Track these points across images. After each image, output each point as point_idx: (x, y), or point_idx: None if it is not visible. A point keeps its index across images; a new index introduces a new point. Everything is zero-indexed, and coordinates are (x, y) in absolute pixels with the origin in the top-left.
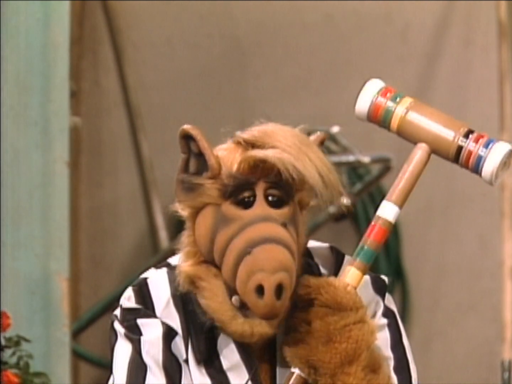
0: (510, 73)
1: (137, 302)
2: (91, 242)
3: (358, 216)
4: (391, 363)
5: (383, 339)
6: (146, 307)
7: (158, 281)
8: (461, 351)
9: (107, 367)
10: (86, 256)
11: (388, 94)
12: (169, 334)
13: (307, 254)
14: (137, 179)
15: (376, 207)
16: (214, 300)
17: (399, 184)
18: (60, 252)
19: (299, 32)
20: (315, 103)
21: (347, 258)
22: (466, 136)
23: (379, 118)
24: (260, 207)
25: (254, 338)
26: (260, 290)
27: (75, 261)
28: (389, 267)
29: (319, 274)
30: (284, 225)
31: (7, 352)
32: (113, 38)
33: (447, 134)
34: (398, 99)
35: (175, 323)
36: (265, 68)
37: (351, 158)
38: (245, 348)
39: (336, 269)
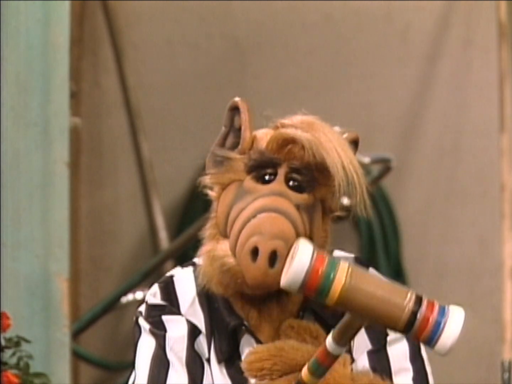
0: (510, 74)
1: (163, 299)
2: (91, 243)
3: (358, 217)
4: (410, 374)
5: (401, 351)
6: (172, 304)
7: (184, 279)
8: (461, 351)
9: (107, 368)
10: (86, 257)
11: (323, 261)
12: (193, 332)
13: None
14: (137, 179)
15: (376, 208)
16: (228, 256)
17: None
18: (60, 252)
19: (299, 33)
20: (315, 104)
21: (371, 269)
22: (418, 302)
23: (315, 289)
24: (278, 184)
25: (269, 280)
26: (255, 253)
27: (75, 262)
28: (389, 267)
29: None
30: (297, 206)
31: (7, 353)
32: (113, 39)
33: (397, 301)
34: (335, 267)
35: (199, 321)
36: (265, 68)
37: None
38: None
39: None
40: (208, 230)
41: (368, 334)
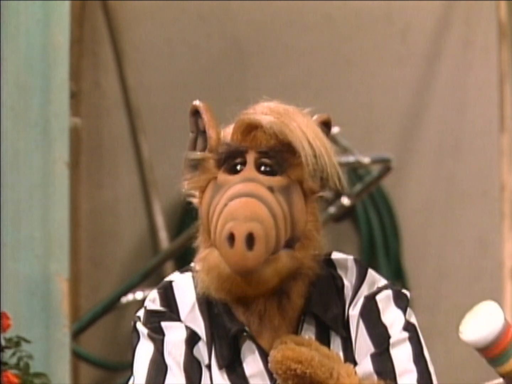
0: (510, 74)
1: (162, 305)
2: (91, 243)
3: (358, 217)
4: (414, 376)
5: (404, 353)
6: (171, 310)
7: (183, 284)
8: (461, 351)
9: (107, 368)
10: (86, 257)
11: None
12: (192, 338)
13: (331, 265)
14: (137, 179)
15: (376, 208)
16: (213, 256)
17: None
18: (60, 252)
19: (299, 32)
20: (315, 104)
21: (370, 270)
22: None
23: (498, 353)
24: (248, 171)
25: (249, 264)
26: (231, 238)
27: (75, 262)
28: (389, 267)
29: (342, 286)
30: (270, 189)
31: (7, 353)
32: (113, 39)
33: None
34: None
35: (199, 328)
36: (265, 68)
37: (351, 158)
38: (268, 356)
39: (359, 282)
40: (199, 237)
41: (371, 337)
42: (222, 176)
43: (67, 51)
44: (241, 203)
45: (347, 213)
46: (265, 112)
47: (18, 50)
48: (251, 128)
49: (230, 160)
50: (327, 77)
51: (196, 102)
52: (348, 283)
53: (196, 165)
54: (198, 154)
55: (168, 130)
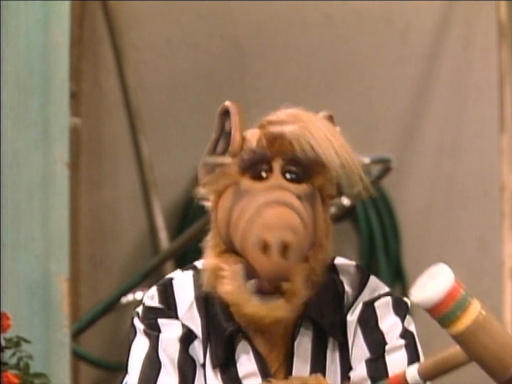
0: (510, 74)
1: (160, 302)
2: (91, 243)
3: (358, 217)
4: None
5: (400, 359)
6: (169, 307)
7: (183, 282)
8: None
9: (107, 368)
10: (86, 257)
11: (459, 292)
12: (188, 337)
13: (333, 270)
14: (137, 180)
15: (376, 208)
16: (231, 284)
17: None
18: (60, 253)
19: (299, 33)
20: (315, 104)
21: (372, 277)
22: None
23: (442, 315)
24: (276, 178)
25: (267, 320)
26: (265, 247)
27: (75, 262)
28: (389, 267)
29: (343, 292)
30: (298, 197)
31: (7, 353)
32: (113, 39)
33: None
34: (469, 301)
35: (196, 326)
36: (265, 69)
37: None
38: (262, 358)
39: (360, 288)
40: (210, 241)
41: (367, 343)
42: (247, 182)
43: (67, 51)
44: (274, 212)
45: (347, 213)
46: (290, 121)
47: (18, 50)
48: (276, 139)
49: (256, 167)
50: (327, 77)
51: (228, 103)
52: (349, 289)
53: (214, 169)
54: (219, 159)
55: (168, 130)
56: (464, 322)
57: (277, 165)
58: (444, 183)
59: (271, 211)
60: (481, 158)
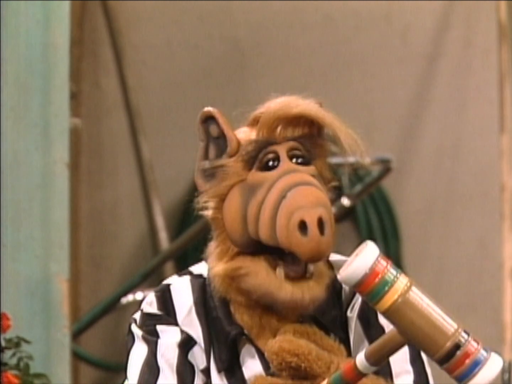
0: (510, 74)
1: (159, 308)
2: (91, 244)
3: (358, 217)
4: (411, 377)
5: (402, 354)
6: (168, 313)
7: (181, 288)
8: None
9: (107, 369)
10: (86, 258)
11: (386, 268)
12: (187, 342)
13: (329, 267)
14: (137, 180)
15: (376, 208)
16: (258, 277)
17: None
18: (60, 253)
19: (299, 33)
20: None
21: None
22: (464, 338)
23: (368, 292)
24: (286, 164)
25: (305, 301)
26: (303, 226)
27: (75, 263)
28: None
29: (340, 288)
30: (313, 176)
31: (7, 354)
32: (113, 40)
33: (445, 329)
34: (395, 277)
35: (196, 331)
36: (265, 69)
37: (351, 159)
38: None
39: None
40: (217, 248)
41: (368, 339)
42: (257, 175)
43: (67, 51)
44: (302, 191)
45: (347, 214)
46: (289, 103)
47: (18, 51)
48: (278, 122)
49: (262, 157)
50: (327, 77)
51: (209, 108)
52: (347, 286)
53: (213, 174)
54: (218, 161)
55: (168, 130)
56: (391, 298)
57: (283, 151)
58: (444, 183)
59: (297, 192)
60: (481, 158)
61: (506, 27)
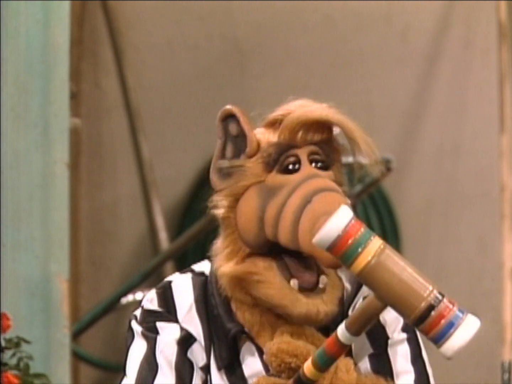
0: (510, 74)
1: (160, 305)
2: (91, 244)
3: (358, 217)
4: (412, 376)
5: (402, 353)
6: (168, 311)
7: (182, 285)
8: (461, 352)
9: (107, 369)
10: (86, 258)
11: (358, 230)
12: (187, 340)
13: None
14: (137, 180)
15: (376, 208)
16: (272, 288)
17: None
18: (60, 253)
19: (299, 33)
20: None
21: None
22: (439, 298)
23: (341, 254)
24: (308, 168)
25: (320, 317)
26: None
27: (75, 263)
28: None
29: (343, 287)
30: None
31: (7, 354)
32: (113, 40)
33: (418, 290)
34: (368, 239)
35: (196, 329)
36: (265, 69)
37: (351, 159)
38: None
39: (358, 284)
40: (227, 247)
41: (369, 338)
42: (278, 177)
43: (67, 51)
44: (327, 198)
45: None
46: (311, 107)
47: (18, 51)
48: (301, 126)
49: (283, 160)
50: (327, 77)
51: (229, 106)
52: (348, 285)
53: (229, 173)
54: (237, 161)
55: (168, 130)
56: (364, 260)
57: (304, 155)
58: (444, 183)
59: (323, 198)
60: (481, 159)
61: (506, 27)
